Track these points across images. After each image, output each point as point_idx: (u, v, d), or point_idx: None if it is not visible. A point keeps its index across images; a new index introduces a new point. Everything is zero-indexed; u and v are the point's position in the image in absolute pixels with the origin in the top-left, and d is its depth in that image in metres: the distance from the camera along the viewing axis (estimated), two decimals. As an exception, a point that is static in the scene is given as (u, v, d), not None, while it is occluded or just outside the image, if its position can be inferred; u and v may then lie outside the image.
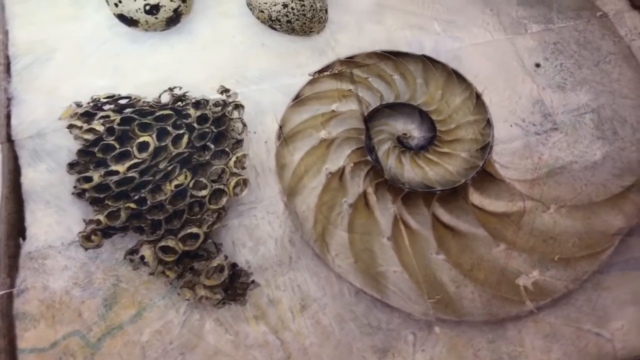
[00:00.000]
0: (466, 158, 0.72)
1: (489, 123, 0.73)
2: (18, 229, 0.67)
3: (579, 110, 0.74)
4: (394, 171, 0.71)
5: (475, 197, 0.69)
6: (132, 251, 0.66)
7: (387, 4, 0.82)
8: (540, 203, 0.68)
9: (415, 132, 0.74)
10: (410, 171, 0.71)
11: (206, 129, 0.73)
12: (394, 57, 0.78)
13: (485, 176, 0.70)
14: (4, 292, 0.63)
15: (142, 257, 0.66)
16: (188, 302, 0.63)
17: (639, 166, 0.70)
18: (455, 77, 0.76)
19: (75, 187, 0.70)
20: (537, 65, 0.77)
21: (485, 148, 0.71)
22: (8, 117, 0.76)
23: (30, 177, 0.70)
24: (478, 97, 0.75)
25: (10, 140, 0.73)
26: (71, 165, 0.72)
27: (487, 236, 0.66)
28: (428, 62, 0.77)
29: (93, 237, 0.67)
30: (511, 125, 0.73)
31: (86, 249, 0.66)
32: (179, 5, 0.82)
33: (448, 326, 0.62)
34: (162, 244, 0.66)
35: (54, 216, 0.68)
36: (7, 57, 0.81)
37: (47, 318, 0.62)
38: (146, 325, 0.62)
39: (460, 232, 0.67)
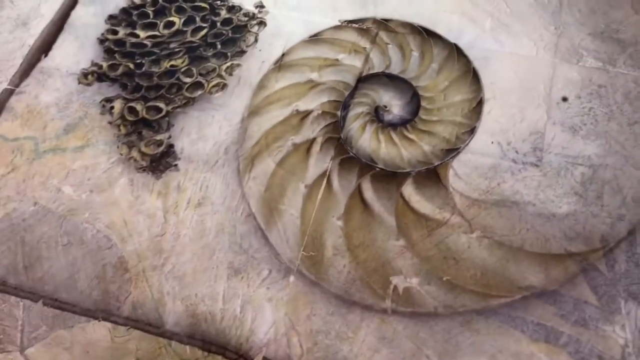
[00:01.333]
0: (426, 152, 0.78)
1: (472, 131, 0.78)
2: (46, 47, 0.93)
3: (576, 159, 0.75)
4: (352, 134, 0.81)
5: (408, 189, 0.76)
6: (108, 99, 0.87)
7: (454, -16, 0.90)
8: (467, 224, 0.73)
9: (395, 109, 0.83)
10: (366, 140, 0.81)
11: (224, 31, 0.91)
12: (425, 34, 0.86)
13: (431, 176, 0.76)
14: (10, 87, 0.89)
15: (112, 108, 0.86)
16: (120, 157, 0.82)
17: (599, 241, 0.70)
18: (471, 75, 0.82)
19: (102, 34, 0.93)
20: (564, 99, 0.79)
21: (451, 151, 0.77)
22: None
23: (79, 14, 0.95)
24: (479, 103, 0.80)
25: (83, -18, 0.99)
26: (110, 17, 0.95)
27: (394, 227, 0.74)
28: (454, 52, 0.84)
29: (90, 76, 0.90)
30: (492, 142, 0.77)
31: (79, 83, 0.89)
32: None
33: (302, 281, 0.72)
34: (132, 104, 0.86)
35: (75, 49, 0.92)
36: None
37: (23, 118, 0.86)
38: (81, 158, 0.82)
39: (371, 211, 0.75)
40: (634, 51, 0.81)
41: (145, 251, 0.74)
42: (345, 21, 0.89)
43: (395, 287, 0.70)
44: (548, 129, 0.77)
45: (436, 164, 0.76)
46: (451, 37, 0.85)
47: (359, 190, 0.76)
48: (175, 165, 0.81)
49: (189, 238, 0.75)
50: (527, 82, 0.81)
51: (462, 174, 0.75)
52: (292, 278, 0.71)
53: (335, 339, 0.68)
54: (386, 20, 0.88)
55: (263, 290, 0.71)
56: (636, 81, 0.79)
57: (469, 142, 0.77)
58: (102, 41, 0.92)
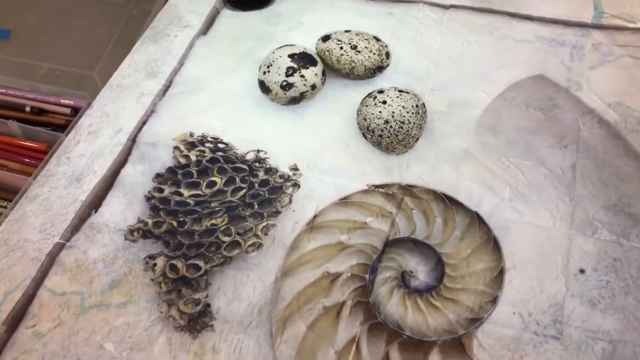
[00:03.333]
0: (452, 321, 0.82)
1: (494, 301, 0.82)
2: (97, 203, 1.00)
3: (596, 334, 0.78)
4: (380, 298, 0.85)
5: (434, 358, 0.79)
6: (152, 256, 0.93)
7: (474, 154, 0.97)
8: (492, 397, 0.75)
9: (421, 275, 0.87)
10: (394, 306, 0.84)
11: (261, 192, 0.98)
12: (448, 201, 0.92)
13: (456, 345, 0.79)
14: (61, 242, 0.96)
15: (154, 264, 0.92)
16: (160, 315, 0.87)
17: (623, 420, 0.71)
18: (492, 244, 0.87)
19: (149, 192, 1.01)
20: (582, 271, 0.83)
21: (475, 321, 0.81)
22: (143, 123, 1.11)
23: (128, 171, 1.03)
24: (501, 272, 0.84)
25: (134, 139, 1.08)
26: (157, 175, 1.03)
27: (420, 398, 0.76)
28: (475, 220, 0.89)
29: (135, 233, 0.96)
30: (514, 313, 0.81)
31: (125, 239, 0.95)
32: (307, 91, 1.09)
33: None
34: (173, 262, 0.92)
35: (123, 206, 0.99)
36: (170, 82, 1.18)
37: (71, 273, 0.92)
38: (124, 314, 0.87)
39: (398, 380, 0.78)
40: (645, 225, 0.85)
41: (181, 414, 0.77)
42: (373, 185, 0.95)
43: None
44: (567, 302, 0.80)
45: (461, 333, 0.79)
46: (472, 205, 0.91)
47: (387, 357, 0.79)
48: (212, 325, 0.84)
49: (222, 401, 0.77)
50: (545, 252, 0.85)
51: (486, 344, 0.78)
52: None
53: None
54: (410, 186, 0.94)
55: None
56: (650, 256, 0.82)
57: (492, 312, 0.80)
58: (148, 199, 0.99)
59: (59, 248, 0.94)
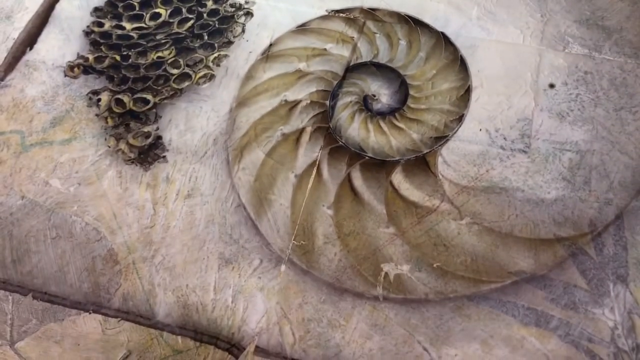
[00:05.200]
0: (415, 140, 0.78)
1: (460, 119, 0.79)
2: (31, 40, 0.92)
3: (564, 145, 0.75)
4: (341, 123, 0.81)
5: (397, 177, 0.76)
6: (95, 92, 0.87)
7: (440, -26, 0.91)
8: (457, 211, 0.73)
9: (384, 98, 0.83)
10: (355, 129, 0.81)
11: (210, 22, 0.91)
12: (413, 23, 0.86)
13: (420, 163, 0.77)
14: (-5, 81, 0.88)
15: (99, 100, 0.86)
16: (107, 149, 0.81)
17: (587, 225, 0.71)
18: (458, 64, 0.82)
19: (88, 26, 0.92)
20: (551, 85, 0.79)
21: (440, 139, 0.78)
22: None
23: (63, 7, 0.94)
24: (467, 90, 0.80)
25: (68, -26, 0.98)
26: (96, 9, 0.94)
27: (384, 215, 0.74)
28: (441, 40, 0.84)
29: (76, 69, 0.89)
30: (480, 130, 0.78)
31: (65, 76, 0.88)
32: None
33: (294, 270, 0.72)
34: (119, 96, 0.86)
35: (60, 42, 0.91)
36: None
37: (8, 112, 0.85)
38: (68, 151, 0.82)
39: (361, 200, 0.75)
40: (619, 38, 0.82)
41: (135, 243, 0.74)
42: (333, 11, 0.89)
43: (386, 275, 0.70)
44: (535, 116, 0.77)
45: (425, 151, 0.77)
46: (438, 26, 0.85)
47: (348, 179, 0.76)
48: (164, 156, 0.80)
49: (178, 229, 0.75)
50: (514, 69, 0.81)
51: (450, 161, 0.76)
52: (283, 267, 0.71)
53: (327, 326, 0.68)
54: (373, 9, 0.88)
55: (254, 280, 0.71)
56: (622, 67, 0.79)
57: (458, 129, 0.78)
58: (87, 33, 0.91)
59: (-8, 88, 0.87)
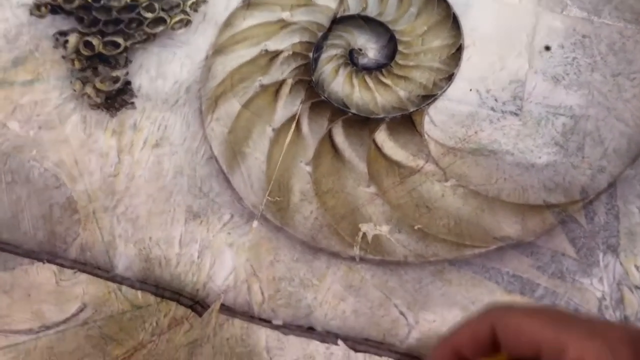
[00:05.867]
0: (402, 98, 0.74)
1: (450, 78, 0.74)
2: (-5, -24, 0.86)
3: (558, 109, 0.72)
4: (324, 77, 0.77)
5: (381, 135, 0.72)
6: (62, 33, 0.80)
7: None
8: (442, 172, 0.69)
9: (371, 52, 0.78)
10: (339, 84, 0.76)
11: (188, -35, 0.85)
12: (404, -23, 0.82)
13: (406, 122, 0.72)
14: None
15: (66, 41, 0.80)
16: (73, 93, 0.76)
17: (579, 192, 0.67)
18: (451, 21, 0.78)
19: (58, -35, 0.86)
20: (547, 47, 0.75)
21: (428, 98, 0.73)
22: None
23: (33, -57, 0.88)
24: (458, 49, 0.76)
25: None
26: (68, -53, 0.88)
27: (365, 174, 0.69)
28: (435, -4, 0.80)
29: (43, 8, 0.82)
30: (470, 90, 0.74)
31: (31, 14, 0.82)
32: None
33: (267, 227, 0.67)
34: (88, 38, 0.80)
35: (27, -21, 0.85)
36: None
37: (-33, 48, 0.79)
38: (30, 92, 0.76)
39: (341, 157, 0.71)
40: (619, 2, 0.78)
41: (97, 192, 0.69)
42: (322, -39, 0.83)
43: (364, 235, 0.66)
44: (529, 78, 0.74)
45: (411, 110, 0.72)
46: (432, -19, 0.81)
47: (329, 135, 0.72)
48: (132, 103, 0.75)
49: (144, 179, 0.70)
50: (509, 29, 0.77)
51: (438, 121, 0.72)
52: (255, 223, 0.67)
53: (299, 286, 0.63)
54: (363, -39, 0.83)
55: (223, 236, 0.66)
56: (621, 32, 0.76)
57: (447, 88, 0.73)
58: (57, -28, 0.85)
59: (-50, 23, 0.81)
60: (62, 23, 0.81)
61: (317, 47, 0.78)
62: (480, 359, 0.42)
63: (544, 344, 0.39)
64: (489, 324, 0.41)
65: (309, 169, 0.70)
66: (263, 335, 0.61)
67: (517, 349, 0.41)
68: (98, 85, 0.76)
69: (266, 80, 0.76)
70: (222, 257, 0.65)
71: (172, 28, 0.80)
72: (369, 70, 0.76)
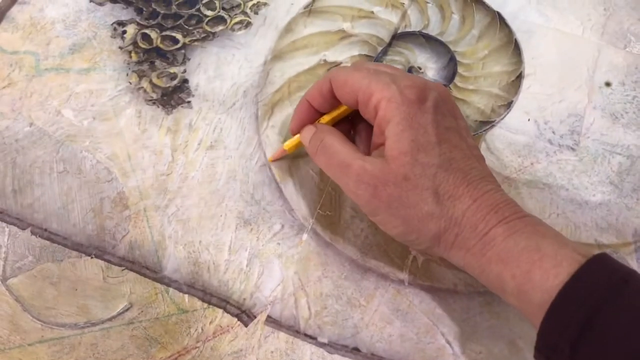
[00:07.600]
0: (459, 121, 0.73)
1: (508, 105, 0.73)
2: (56, -42, 0.84)
3: (615, 147, 0.71)
4: (381, 92, 0.76)
5: (436, 158, 0.71)
6: (120, 23, 0.80)
7: (502, -49, 0.84)
8: (496, 201, 0.68)
9: (430, 72, 0.77)
10: (397, 101, 0.75)
11: (252, -34, 0.84)
12: (468, -2, 0.81)
13: (462, 146, 0.71)
14: (12, -4, 0.81)
15: (124, 32, 0.79)
16: (128, 85, 0.75)
17: (632, 235, 0.66)
18: (512, 47, 0.77)
19: (120, -47, 0.85)
20: (607, 84, 0.75)
21: (485, 124, 0.72)
22: None
23: None
24: (519, 77, 0.75)
25: None
26: (130, -64, 0.87)
27: (418, 195, 0.69)
28: (496, 20, 0.79)
29: (102, -5, 0.82)
30: (529, 120, 0.73)
31: (90, 1, 0.81)
32: None
33: (316, 241, 0.67)
34: (146, 31, 0.79)
35: (88, -36, 0.84)
36: None
37: (24, 31, 0.78)
38: (85, 81, 0.75)
39: (395, 176, 0.70)
40: (683, 44, 0.77)
41: (149, 189, 0.68)
42: (384, -27, 0.82)
43: (414, 259, 0.65)
44: (588, 113, 0.73)
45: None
46: (495, 5, 0.80)
47: (384, 153, 0.71)
48: (189, 102, 0.74)
49: (197, 181, 0.69)
50: (570, 61, 0.76)
51: (494, 148, 0.71)
52: (305, 236, 0.66)
53: (346, 304, 0.63)
54: (428, -22, 0.82)
55: (273, 245, 0.66)
56: (683, 75, 0.74)
57: (505, 116, 0.72)
58: (119, -40, 0.84)
59: (9, 2, 0.80)
60: (120, 13, 0.80)
61: (376, 61, 0.76)
62: (329, 112, 0.61)
63: (359, 92, 0.54)
64: (328, 80, 0.58)
65: (362, 185, 0.69)
66: (308, 352, 0.61)
67: (344, 97, 0.57)
68: (155, 80, 0.75)
69: (323, 90, 0.74)
70: (271, 268, 0.65)
71: (232, 29, 0.79)
72: (427, 90, 0.75)
